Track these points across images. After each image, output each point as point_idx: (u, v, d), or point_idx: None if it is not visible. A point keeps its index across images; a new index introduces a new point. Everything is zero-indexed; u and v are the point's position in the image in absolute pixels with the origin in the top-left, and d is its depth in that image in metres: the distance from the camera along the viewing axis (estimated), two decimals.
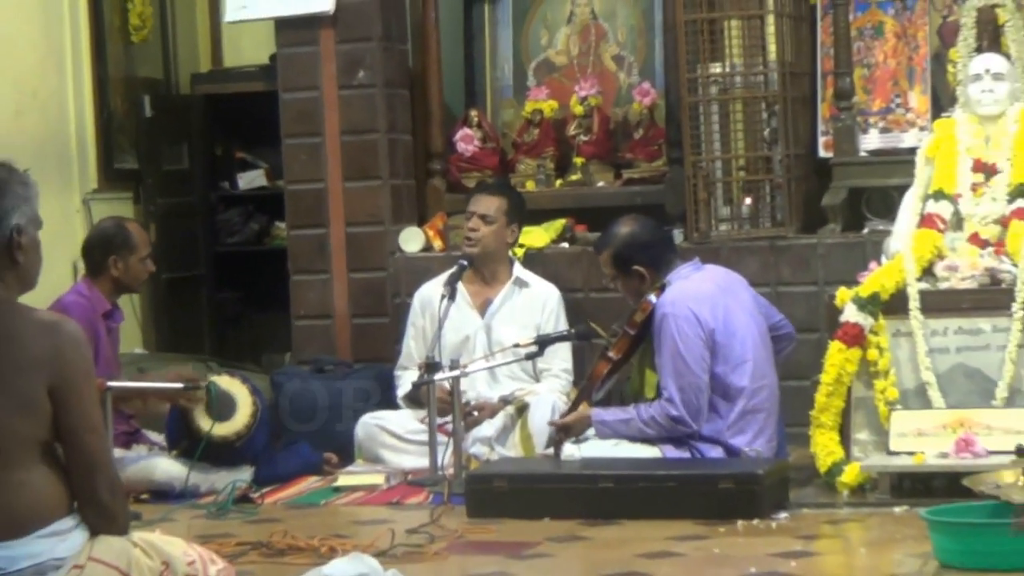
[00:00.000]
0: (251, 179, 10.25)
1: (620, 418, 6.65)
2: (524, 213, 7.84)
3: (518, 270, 7.83)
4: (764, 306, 6.96)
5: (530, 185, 8.60)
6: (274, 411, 7.66)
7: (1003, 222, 6.83)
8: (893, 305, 6.67)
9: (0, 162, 3.91)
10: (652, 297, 6.68)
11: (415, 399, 7.56)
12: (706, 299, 6.66)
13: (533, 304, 7.73)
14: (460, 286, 7.64)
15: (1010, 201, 6.85)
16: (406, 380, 7.64)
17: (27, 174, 3.92)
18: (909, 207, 7.03)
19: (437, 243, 8.40)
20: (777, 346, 6.91)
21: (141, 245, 7.37)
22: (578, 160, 8.61)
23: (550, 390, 7.51)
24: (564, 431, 6.78)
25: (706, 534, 5.90)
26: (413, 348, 7.79)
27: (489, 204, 7.68)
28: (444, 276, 7.73)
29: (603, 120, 8.67)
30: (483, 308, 7.74)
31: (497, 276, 7.78)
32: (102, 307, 7.24)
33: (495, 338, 7.64)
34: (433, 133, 8.68)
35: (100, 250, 7.34)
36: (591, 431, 6.74)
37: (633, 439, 6.62)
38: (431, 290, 7.79)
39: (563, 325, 7.64)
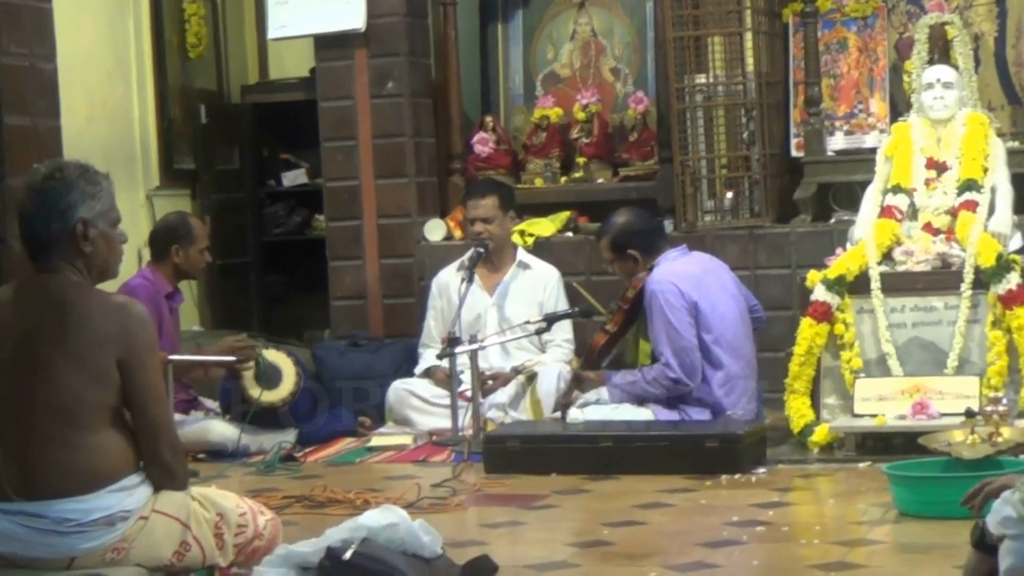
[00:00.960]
0: (294, 177, 10.21)
1: (628, 380, 6.66)
2: (514, 199, 7.81)
3: (521, 254, 7.81)
4: (743, 290, 6.95)
5: (538, 182, 8.58)
6: (315, 380, 7.63)
7: (953, 212, 6.82)
8: (857, 286, 6.66)
9: (75, 163, 3.80)
10: (642, 275, 6.68)
11: (429, 375, 7.60)
12: (690, 277, 6.66)
13: (536, 284, 7.70)
14: None
15: (959, 194, 6.85)
16: (428, 356, 7.62)
17: (102, 175, 3.81)
18: (870, 200, 7.02)
19: (457, 233, 8.38)
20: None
21: (201, 237, 7.32)
22: (580, 160, 8.57)
23: (555, 360, 7.47)
24: (577, 381, 6.81)
25: (693, 487, 5.90)
26: (432, 327, 7.77)
27: (485, 207, 7.63)
28: (456, 263, 7.71)
29: (602, 125, 8.65)
30: (492, 289, 7.71)
31: (504, 261, 7.75)
32: (165, 289, 7.19)
33: (504, 315, 7.62)
34: (453, 137, 8.64)
35: (164, 239, 7.29)
36: (593, 396, 6.73)
37: (641, 398, 6.62)
38: (446, 275, 7.77)
39: (563, 302, 7.61)
